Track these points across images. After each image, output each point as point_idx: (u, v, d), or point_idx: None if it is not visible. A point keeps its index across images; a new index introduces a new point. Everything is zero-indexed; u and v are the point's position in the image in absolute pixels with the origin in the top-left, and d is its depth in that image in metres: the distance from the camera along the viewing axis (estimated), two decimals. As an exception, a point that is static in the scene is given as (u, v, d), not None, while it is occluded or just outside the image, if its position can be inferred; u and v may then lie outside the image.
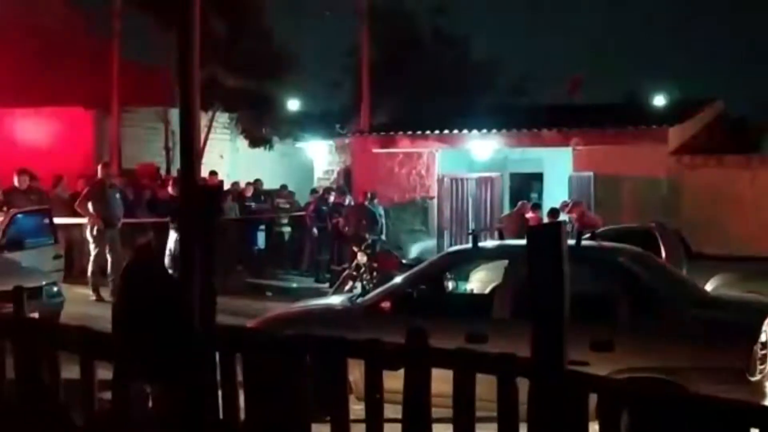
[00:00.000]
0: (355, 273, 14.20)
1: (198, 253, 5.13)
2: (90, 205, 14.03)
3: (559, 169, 18.61)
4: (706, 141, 18.06)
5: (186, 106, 5.06)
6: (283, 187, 19.82)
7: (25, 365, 6.03)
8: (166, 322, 5.36)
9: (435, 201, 19.49)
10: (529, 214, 15.24)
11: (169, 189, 15.61)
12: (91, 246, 14.31)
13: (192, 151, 5.06)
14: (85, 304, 12.76)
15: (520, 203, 16.27)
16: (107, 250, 13.89)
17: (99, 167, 15.23)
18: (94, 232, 14.16)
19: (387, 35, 25.84)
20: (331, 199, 18.04)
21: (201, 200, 5.25)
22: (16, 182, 14.40)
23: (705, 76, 33.31)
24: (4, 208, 13.28)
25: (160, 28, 20.12)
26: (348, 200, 17.95)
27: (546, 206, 16.13)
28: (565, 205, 15.08)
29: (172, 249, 11.96)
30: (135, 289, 6.03)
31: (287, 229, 18.90)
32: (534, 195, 19.88)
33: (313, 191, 19.63)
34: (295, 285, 16.89)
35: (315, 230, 17.73)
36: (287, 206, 18.99)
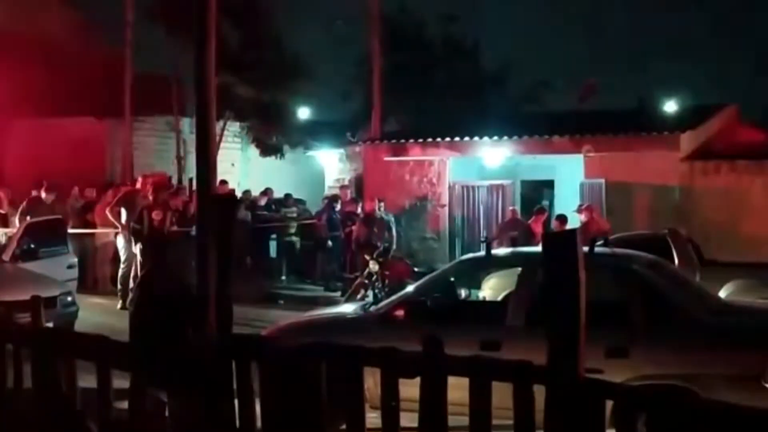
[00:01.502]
0: (366, 281, 14.21)
1: (214, 262, 5.16)
2: (122, 214, 14.22)
3: (570, 177, 18.59)
4: (719, 147, 18.01)
5: (202, 115, 5.10)
6: (288, 196, 19.84)
7: (42, 374, 6.07)
8: (182, 331, 5.39)
9: (446, 208, 19.50)
10: (532, 219, 15.49)
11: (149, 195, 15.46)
12: (121, 254, 14.45)
13: (208, 161, 5.10)
14: (98, 313, 12.84)
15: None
16: (135, 260, 14.00)
17: (140, 177, 15.49)
18: (124, 242, 14.31)
19: (398, 43, 25.90)
20: (338, 207, 18.04)
21: (216, 210, 5.28)
22: (43, 195, 14.57)
23: (718, 81, 33.16)
24: (27, 218, 13.43)
25: (172, 37, 20.23)
26: (359, 208, 17.96)
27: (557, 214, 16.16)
28: (579, 206, 15.15)
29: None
30: (152, 298, 6.06)
31: (296, 238, 18.92)
32: (545, 202, 19.89)
33: (325, 199, 19.67)
34: (306, 294, 16.91)
35: (329, 242, 17.67)
36: (294, 214, 19.01)
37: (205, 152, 5.13)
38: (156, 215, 13.74)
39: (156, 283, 6.07)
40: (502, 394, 4.67)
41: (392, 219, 17.37)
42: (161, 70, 22.61)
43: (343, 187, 19.81)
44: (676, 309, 7.30)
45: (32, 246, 12.21)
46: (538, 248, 5.27)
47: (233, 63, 20.17)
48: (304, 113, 25.34)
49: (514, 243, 9.68)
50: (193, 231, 12.57)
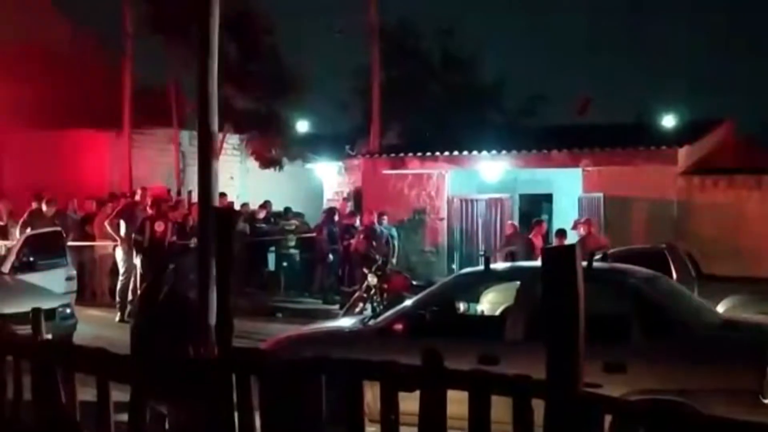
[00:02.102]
0: (365, 295, 14.19)
1: (215, 275, 5.17)
2: (122, 226, 14.20)
3: (568, 190, 18.62)
4: (717, 161, 18.06)
5: (204, 129, 5.12)
6: (287, 209, 19.83)
7: (41, 386, 6.07)
8: (183, 344, 5.40)
9: (445, 222, 19.51)
10: (531, 233, 15.54)
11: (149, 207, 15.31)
12: (120, 267, 14.43)
13: (209, 174, 5.13)
14: (97, 326, 12.82)
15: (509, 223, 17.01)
16: (134, 273, 13.99)
17: (139, 190, 15.43)
18: (123, 254, 14.29)
19: (397, 57, 25.97)
20: (336, 217, 18.05)
21: (217, 223, 5.30)
22: (44, 207, 14.58)
23: (715, 96, 33.32)
24: (28, 230, 13.44)
25: (172, 49, 20.28)
26: (358, 221, 17.96)
27: (556, 228, 16.19)
28: (577, 221, 15.17)
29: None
30: (154, 311, 6.06)
31: (295, 251, 18.90)
32: (544, 216, 19.91)
33: (324, 212, 19.65)
34: (305, 307, 16.89)
35: (330, 256, 17.62)
36: (293, 227, 19.00)
37: (206, 165, 5.15)
38: (158, 226, 13.75)
39: (157, 296, 6.07)
40: (501, 408, 4.68)
41: (393, 232, 17.38)
42: (161, 82, 22.66)
43: (343, 200, 19.81)
44: (674, 324, 7.31)
45: (31, 258, 12.22)
46: (537, 262, 5.30)
47: (232, 76, 20.20)
48: (302, 126, 25.37)
49: (512, 257, 9.69)
50: (193, 243, 12.64)
